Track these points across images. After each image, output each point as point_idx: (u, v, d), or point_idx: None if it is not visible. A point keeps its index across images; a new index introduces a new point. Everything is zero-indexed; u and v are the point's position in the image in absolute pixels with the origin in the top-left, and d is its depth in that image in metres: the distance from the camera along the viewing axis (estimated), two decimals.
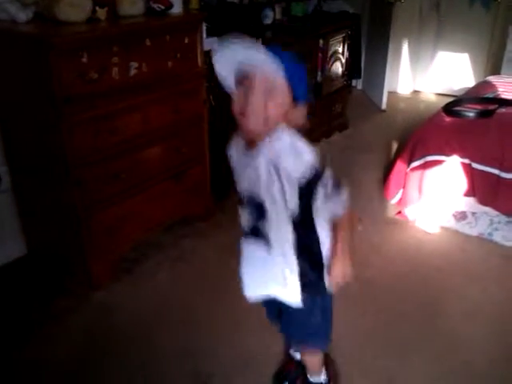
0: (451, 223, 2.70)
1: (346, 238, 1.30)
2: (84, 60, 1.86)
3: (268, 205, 1.23)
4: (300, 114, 1.22)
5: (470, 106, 2.92)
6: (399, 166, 2.82)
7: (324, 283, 1.35)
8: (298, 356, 1.75)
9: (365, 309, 2.12)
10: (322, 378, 1.67)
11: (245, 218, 1.32)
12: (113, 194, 2.14)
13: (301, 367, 1.71)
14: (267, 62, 1.09)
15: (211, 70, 2.43)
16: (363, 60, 4.93)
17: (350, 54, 3.98)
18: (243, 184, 1.28)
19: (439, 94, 5.09)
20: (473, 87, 3.70)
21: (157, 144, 2.28)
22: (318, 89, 3.62)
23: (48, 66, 1.77)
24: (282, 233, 1.26)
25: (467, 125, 2.73)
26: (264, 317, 1.60)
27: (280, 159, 1.16)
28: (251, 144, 1.22)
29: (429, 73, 5.18)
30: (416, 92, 5.29)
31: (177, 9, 2.29)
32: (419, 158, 2.67)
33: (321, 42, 3.49)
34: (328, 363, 1.72)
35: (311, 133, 3.65)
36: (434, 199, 2.68)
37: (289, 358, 1.80)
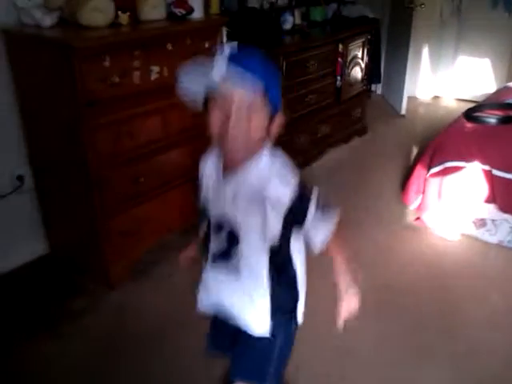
0: (471, 230, 2.67)
1: (344, 264, 1.20)
2: (106, 64, 1.89)
3: (243, 232, 1.13)
4: (278, 123, 1.10)
5: (491, 111, 2.88)
6: (418, 171, 2.80)
7: (296, 311, 1.27)
8: None
9: (381, 314, 2.10)
10: None
11: (214, 243, 1.20)
12: (131, 197, 2.16)
13: None
14: (245, 77, 0.97)
15: None
16: (383, 65, 4.91)
17: (369, 59, 3.96)
18: (214, 208, 1.17)
19: (460, 100, 5.03)
20: (494, 93, 3.66)
21: (176, 148, 2.30)
22: (337, 94, 3.62)
23: (71, 69, 1.81)
24: (256, 259, 1.16)
25: (488, 131, 2.70)
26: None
27: (266, 184, 1.07)
28: (230, 166, 1.11)
29: (449, 78, 5.13)
30: (436, 97, 5.25)
31: (198, 13, 2.32)
32: (439, 164, 2.65)
33: (340, 46, 3.49)
34: None
35: (329, 137, 3.66)
36: (454, 206, 2.65)
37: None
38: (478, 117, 2.82)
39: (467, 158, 2.57)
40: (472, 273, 2.38)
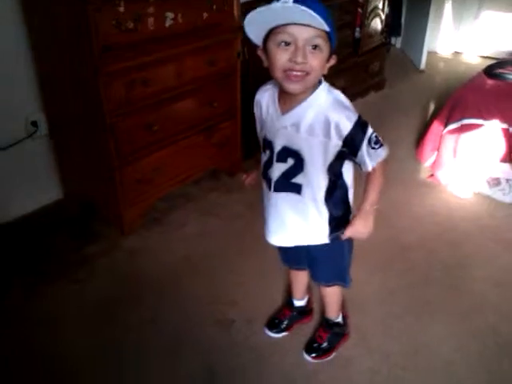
0: (484, 189, 2.65)
1: (375, 194, 1.33)
2: (121, 9, 1.85)
3: (306, 159, 1.27)
4: (332, 63, 1.21)
5: None
6: (435, 128, 2.76)
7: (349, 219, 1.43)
8: (297, 303, 1.82)
9: (390, 269, 2.13)
10: (340, 318, 1.76)
11: (276, 170, 1.34)
12: (145, 145, 2.16)
13: (296, 314, 1.83)
14: (316, 19, 1.05)
15: None
16: (403, 17, 4.76)
17: (390, 11, 3.84)
18: (276, 138, 1.30)
19: (481, 56, 4.88)
20: None
21: (189, 97, 2.28)
22: (356, 45, 3.53)
23: (86, 14, 1.77)
24: (317, 182, 1.32)
25: (509, 89, 2.63)
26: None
27: (327, 116, 1.20)
28: (289, 101, 1.24)
29: (472, 33, 4.95)
30: (457, 53, 5.10)
31: None
32: (456, 121, 2.61)
33: None
34: (343, 306, 1.79)
35: (345, 91, 3.58)
36: (469, 164, 2.62)
37: (287, 304, 1.86)
38: (499, 73, 2.75)
39: (486, 115, 2.52)
40: (482, 231, 2.38)
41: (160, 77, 2.09)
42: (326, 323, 1.77)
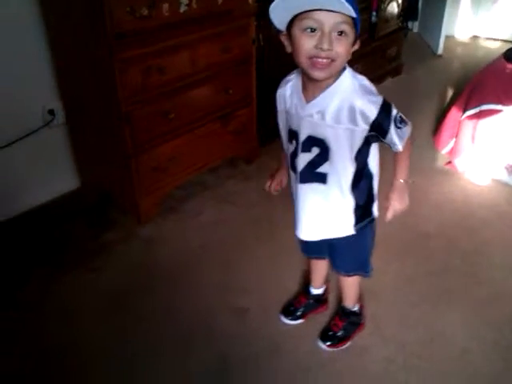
0: (502, 176, 2.61)
1: (406, 169, 1.39)
2: None
3: (332, 147, 1.26)
4: (355, 48, 1.20)
5: None
6: (453, 114, 2.72)
7: (373, 214, 1.45)
8: (314, 291, 1.83)
9: (407, 256, 2.11)
10: (357, 307, 1.76)
11: (301, 160, 1.33)
12: (161, 133, 2.17)
13: (312, 302, 1.83)
14: (343, 5, 1.03)
15: (261, 7, 2.38)
16: (421, 1, 4.67)
17: None
18: (301, 128, 1.28)
19: (501, 40, 4.78)
20: None
21: (205, 84, 2.27)
22: (372, 30, 3.48)
23: (100, 1, 1.77)
24: (343, 171, 1.31)
25: None
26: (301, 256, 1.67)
27: (352, 102, 1.19)
28: (313, 88, 1.22)
29: (490, 17, 4.84)
30: (475, 37, 5.00)
31: None
32: (475, 107, 2.56)
33: None
34: (360, 296, 1.79)
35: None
36: (487, 150, 2.58)
37: (303, 292, 1.86)
38: None
39: (505, 101, 2.47)
40: (500, 218, 2.35)
41: (175, 64, 2.09)
42: (342, 312, 1.77)
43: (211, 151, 2.46)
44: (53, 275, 2.02)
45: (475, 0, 4.79)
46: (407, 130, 1.28)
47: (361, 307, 1.78)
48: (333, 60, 1.12)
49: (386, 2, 3.50)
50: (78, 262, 2.09)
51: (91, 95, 2.13)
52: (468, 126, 2.60)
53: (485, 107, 2.52)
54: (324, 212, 1.40)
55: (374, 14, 3.42)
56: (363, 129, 1.22)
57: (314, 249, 1.65)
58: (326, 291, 1.86)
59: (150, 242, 2.21)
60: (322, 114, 1.22)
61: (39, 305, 1.90)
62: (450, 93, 3.60)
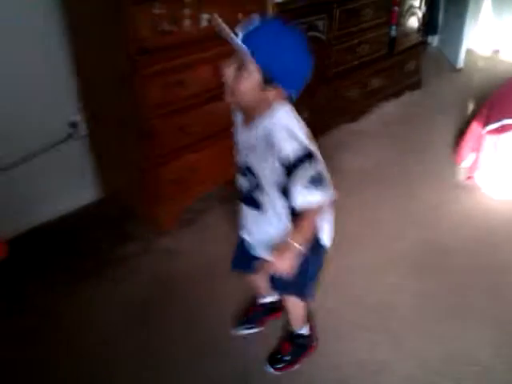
0: None
1: (301, 233, 1.25)
2: (156, 11, 1.88)
3: (261, 176, 1.28)
4: (277, 95, 1.18)
5: None
6: (474, 128, 2.70)
7: (320, 241, 1.41)
8: (263, 300, 1.84)
9: (427, 272, 2.09)
10: (305, 330, 1.73)
11: (243, 184, 1.38)
12: (181, 147, 2.18)
13: (265, 310, 1.84)
14: (236, 40, 1.12)
15: None
16: (441, 16, 4.66)
17: (427, 9, 3.76)
18: (240, 154, 1.34)
19: None
20: None
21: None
22: (391, 45, 3.48)
23: (123, 16, 1.80)
24: (275, 201, 1.31)
25: None
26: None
27: (273, 136, 1.18)
28: (247, 119, 1.27)
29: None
30: (496, 51, 4.95)
31: None
32: (496, 121, 2.54)
33: None
34: (310, 318, 1.78)
35: (380, 91, 3.55)
36: (508, 165, 2.55)
37: (255, 302, 1.86)
38: None
39: None
40: None
41: (196, 78, 2.11)
42: (289, 335, 1.75)
43: (229, 165, 2.46)
44: (72, 284, 2.05)
45: (496, 13, 4.76)
46: (319, 195, 1.18)
47: (311, 329, 1.75)
48: (232, 89, 1.20)
49: (406, 17, 3.50)
50: (98, 271, 2.11)
51: (113, 108, 2.16)
52: (489, 141, 2.58)
53: (506, 122, 2.50)
54: (263, 230, 1.41)
55: (394, 28, 3.43)
56: (278, 166, 1.19)
57: (241, 263, 1.61)
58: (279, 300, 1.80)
59: (168, 253, 2.22)
60: (252, 143, 1.26)
61: (57, 311, 1.92)
62: (470, 107, 3.57)
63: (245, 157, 1.32)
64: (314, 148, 1.20)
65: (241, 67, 1.15)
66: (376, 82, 3.46)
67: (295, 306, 1.63)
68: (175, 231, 2.34)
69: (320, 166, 1.20)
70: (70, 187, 2.42)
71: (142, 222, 2.39)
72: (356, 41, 3.14)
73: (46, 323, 1.87)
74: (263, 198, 1.33)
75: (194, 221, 2.43)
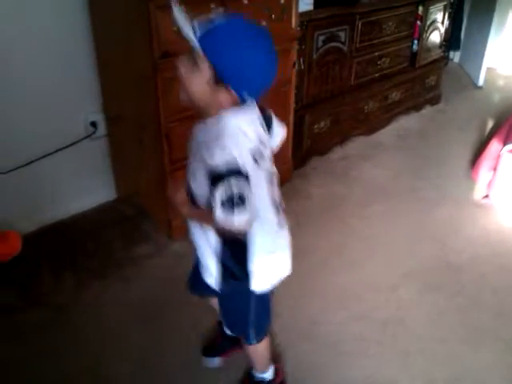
0: None
1: (198, 213, 1.20)
2: None
3: (193, 187, 1.18)
4: (228, 99, 1.10)
5: None
6: (493, 146, 2.67)
7: (249, 280, 1.26)
8: (228, 331, 1.65)
9: (438, 290, 2.07)
10: (268, 374, 1.54)
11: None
12: None
13: (229, 341, 1.67)
14: (189, 35, 1.03)
15: (305, 32, 2.38)
16: (463, 31, 4.64)
17: (450, 24, 3.76)
18: (188, 162, 1.22)
19: None
20: None
21: None
22: (413, 59, 3.48)
23: (148, 20, 1.82)
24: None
25: None
26: None
27: (209, 142, 1.08)
28: (200, 120, 1.18)
29: None
30: None
31: None
32: None
33: (420, 8, 3.32)
34: (277, 360, 1.63)
35: (400, 104, 3.54)
36: None
37: (219, 332, 1.73)
38: None
39: None
40: None
41: None
42: (250, 377, 1.58)
43: None
44: (85, 281, 2.07)
45: None
46: (234, 217, 1.04)
47: (277, 373, 1.56)
48: (183, 88, 1.15)
49: (428, 32, 3.50)
50: (110, 271, 2.13)
51: (133, 110, 2.18)
52: (508, 161, 2.55)
53: None
54: (197, 244, 1.32)
55: (416, 42, 3.42)
56: (204, 174, 1.08)
57: (196, 285, 1.49)
58: None
59: (180, 257, 2.23)
60: (194, 151, 1.17)
61: (68, 308, 1.94)
62: (489, 125, 3.54)
63: (189, 164, 1.20)
64: (248, 168, 1.08)
65: (194, 64, 1.08)
66: (396, 96, 3.45)
67: (253, 349, 1.45)
68: (186, 237, 2.34)
69: (246, 187, 1.05)
70: (87, 185, 2.44)
71: (156, 225, 2.40)
72: (377, 53, 3.14)
73: (55, 319, 1.89)
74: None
75: None
